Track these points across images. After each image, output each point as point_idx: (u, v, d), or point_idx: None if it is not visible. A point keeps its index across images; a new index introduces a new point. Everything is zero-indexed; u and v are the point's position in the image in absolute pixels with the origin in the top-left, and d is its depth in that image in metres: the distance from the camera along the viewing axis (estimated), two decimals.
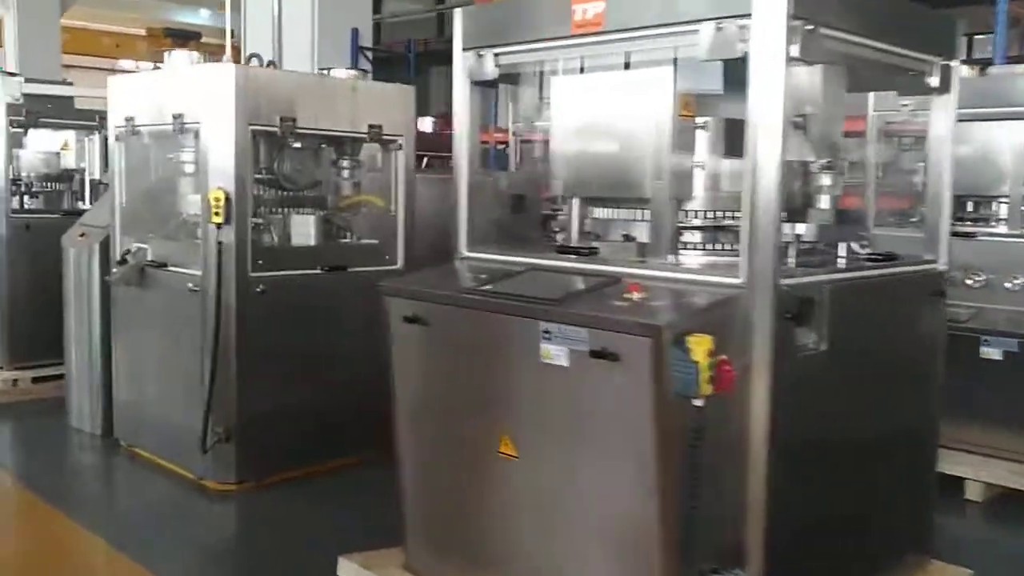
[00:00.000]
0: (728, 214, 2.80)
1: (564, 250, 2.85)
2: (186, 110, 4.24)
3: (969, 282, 4.31)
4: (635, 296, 2.43)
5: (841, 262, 2.84)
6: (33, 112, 5.90)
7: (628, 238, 2.85)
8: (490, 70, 3.03)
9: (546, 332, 2.47)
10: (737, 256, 2.73)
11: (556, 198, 5.42)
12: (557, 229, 3.37)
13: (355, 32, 9.89)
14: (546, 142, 3.81)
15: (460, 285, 2.89)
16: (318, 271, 4.43)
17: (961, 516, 4.17)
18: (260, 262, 4.21)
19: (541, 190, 4.17)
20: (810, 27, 2.44)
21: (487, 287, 2.72)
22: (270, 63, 4.67)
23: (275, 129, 4.21)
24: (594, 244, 2.85)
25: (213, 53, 5.54)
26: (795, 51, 2.41)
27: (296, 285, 4.35)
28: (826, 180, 2.81)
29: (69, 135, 6.32)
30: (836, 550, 2.80)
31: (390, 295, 2.91)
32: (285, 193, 4.55)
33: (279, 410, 4.29)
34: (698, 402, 2.26)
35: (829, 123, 2.78)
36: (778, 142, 2.40)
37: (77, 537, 3.88)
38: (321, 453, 4.44)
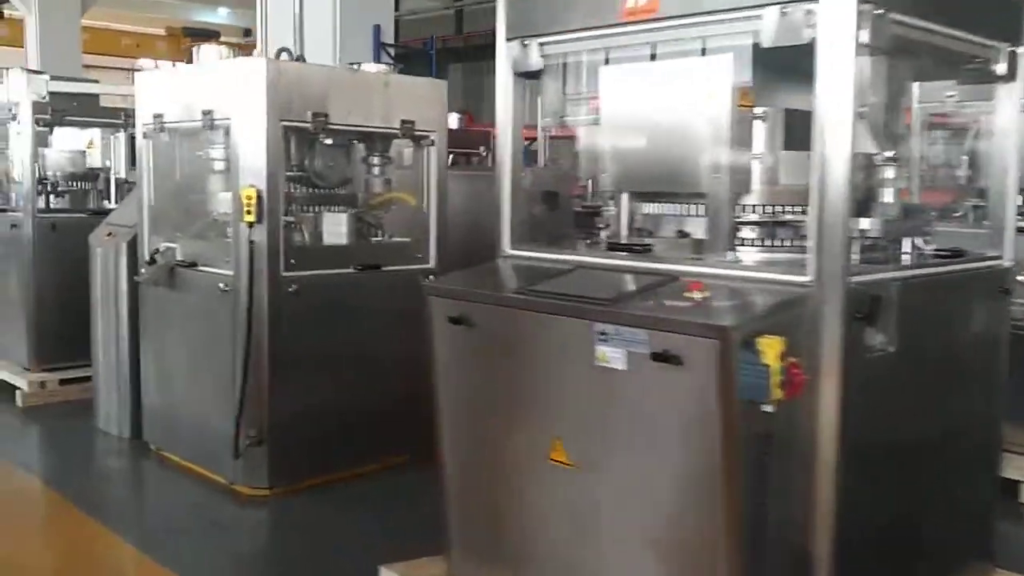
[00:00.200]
0: (787, 208, 2.68)
1: (615, 247, 2.73)
2: (216, 106, 4.15)
3: None
4: (697, 295, 2.31)
5: (906, 258, 2.71)
6: (59, 110, 5.84)
7: (683, 234, 2.73)
8: (535, 61, 2.92)
9: (602, 334, 2.35)
10: (796, 252, 2.62)
11: (588, 194, 5.30)
12: (602, 225, 3.26)
13: (377, 28, 9.80)
14: (573, 137, 3.70)
15: (507, 285, 2.78)
16: (351, 270, 4.34)
17: (1017, 521, 4.03)
18: (292, 261, 4.12)
19: (572, 186, 4.06)
20: (879, 11, 2.32)
21: (536, 286, 2.61)
22: (299, 58, 4.58)
23: (307, 125, 4.11)
24: (647, 241, 2.73)
25: (242, 49, 5.45)
26: (864, 37, 2.28)
27: (329, 285, 4.25)
28: (890, 173, 2.68)
29: (94, 133, 6.26)
30: (902, 556, 2.68)
31: (434, 295, 2.80)
32: (315, 191, 4.46)
33: (312, 413, 4.20)
34: (768, 408, 2.14)
35: (892, 114, 2.66)
36: (848, 134, 2.28)
37: (107, 543, 3.81)
38: (356, 457, 4.35)
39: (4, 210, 6.20)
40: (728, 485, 2.18)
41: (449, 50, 15.13)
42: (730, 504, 2.19)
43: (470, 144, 7.88)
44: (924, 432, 2.67)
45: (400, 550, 3.63)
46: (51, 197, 6.12)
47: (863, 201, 2.68)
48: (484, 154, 8.06)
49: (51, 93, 5.77)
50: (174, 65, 5.28)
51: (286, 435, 4.15)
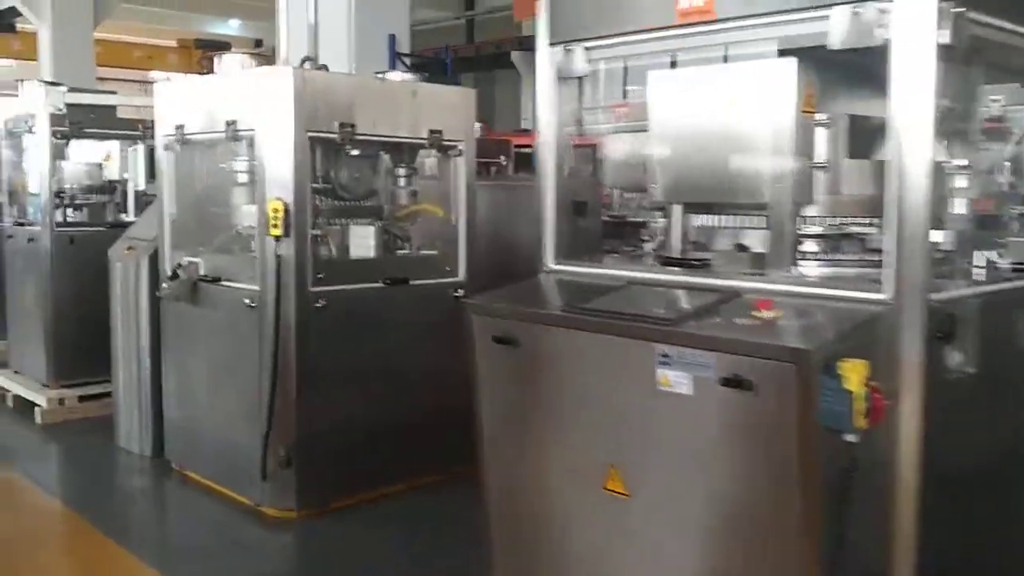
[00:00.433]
0: (851, 220, 2.53)
1: (670, 262, 2.58)
2: (240, 117, 4.03)
3: None
4: (766, 314, 2.17)
5: (980, 273, 2.56)
6: (76, 122, 5.74)
7: (741, 248, 2.58)
8: (580, 66, 2.78)
9: (664, 356, 2.20)
10: (862, 267, 2.48)
11: (614, 203, 5.11)
12: (647, 238, 3.12)
13: (392, 38, 9.70)
14: (595, 145, 3.56)
15: (555, 302, 2.64)
16: (379, 284, 4.20)
17: None
18: (319, 276, 3.99)
19: (601, 196, 3.91)
20: (959, 10, 2.17)
21: (588, 304, 2.46)
22: (322, 67, 4.46)
23: (334, 136, 3.99)
24: (703, 255, 2.58)
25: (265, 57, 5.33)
26: (945, 37, 2.13)
27: (356, 299, 4.12)
28: (962, 182, 2.53)
29: (112, 146, 6.16)
30: None
31: (477, 313, 2.66)
32: (341, 203, 4.33)
33: (341, 432, 4.06)
34: (851, 437, 1.98)
35: (967, 120, 2.50)
36: (928, 142, 2.13)
37: (127, 566, 3.68)
38: (386, 476, 4.22)
39: (21, 223, 6.11)
40: (806, 521, 2.02)
41: (461, 60, 15.04)
42: (807, 542, 2.03)
43: (490, 153, 7.75)
44: (1004, 456, 2.51)
45: (435, 574, 3.50)
46: (68, 210, 6.01)
47: (934, 212, 2.54)
48: (504, 163, 7.94)
49: (68, 105, 5.67)
50: (186, 77, 5.17)
51: (314, 455, 4.01)
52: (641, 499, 2.35)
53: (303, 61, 4.28)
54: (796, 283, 2.37)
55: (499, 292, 2.73)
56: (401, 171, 4.41)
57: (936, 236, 2.41)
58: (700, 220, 2.71)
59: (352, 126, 4.01)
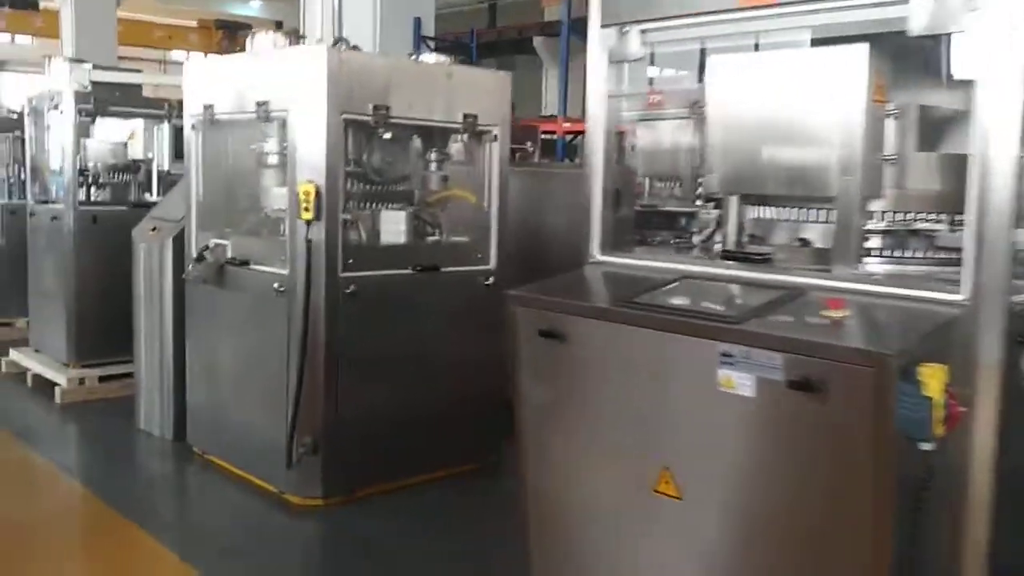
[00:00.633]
0: (919, 216, 2.42)
1: (729, 255, 2.47)
2: (272, 97, 3.93)
3: None
4: (836, 314, 2.05)
5: None
6: (101, 100, 5.65)
7: (804, 242, 2.46)
8: (635, 49, 2.66)
9: (726, 356, 2.09)
10: (929, 266, 2.36)
11: (644, 193, 4.96)
12: (695, 230, 3.01)
13: (417, 21, 9.58)
14: (621, 133, 3.44)
15: (605, 296, 2.53)
16: (409, 271, 4.11)
17: None
18: (350, 261, 3.90)
19: (634, 185, 3.80)
20: None
21: (641, 299, 2.36)
22: (353, 48, 4.35)
23: (368, 118, 3.88)
24: (763, 249, 2.47)
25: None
26: None
27: (387, 286, 4.03)
28: None
29: (137, 124, 6.08)
30: None
31: (522, 305, 2.55)
32: (372, 187, 4.24)
33: (369, 419, 3.98)
34: (927, 445, 1.87)
35: None
36: (1015, 135, 2.01)
37: (150, 552, 3.62)
38: (414, 465, 4.14)
39: (44, 202, 6.05)
40: (876, 534, 1.92)
41: (482, 45, 14.91)
42: (877, 556, 1.93)
43: (516, 140, 7.66)
44: None
45: (463, 569, 3.41)
46: (92, 189, 5.94)
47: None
48: (531, 149, 7.83)
49: (93, 83, 5.59)
50: (211, 56, 5.08)
51: (342, 442, 3.93)
52: (693, 503, 2.25)
53: (336, 41, 4.16)
54: (865, 281, 2.25)
55: (545, 283, 2.62)
56: (433, 155, 4.31)
57: (1020, 236, 2.30)
58: (756, 212, 2.60)
59: (387, 108, 3.91)
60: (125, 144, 6.14)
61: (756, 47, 2.64)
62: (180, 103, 4.90)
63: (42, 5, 14.84)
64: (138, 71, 6.79)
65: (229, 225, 4.41)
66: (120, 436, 5.00)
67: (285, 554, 3.71)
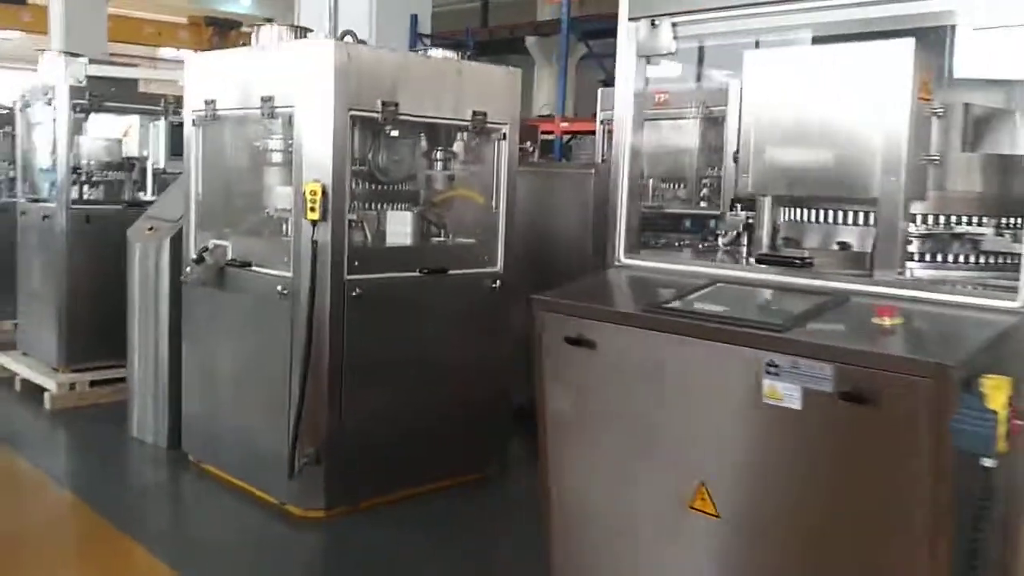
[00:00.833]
0: (964, 219, 2.32)
1: (767, 260, 2.36)
2: (277, 92, 3.79)
3: None
4: (887, 321, 1.94)
5: None
6: (96, 95, 5.49)
7: (843, 245, 2.36)
8: (667, 42, 2.55)
9: (771, 366, 1.98)
10: (974, 271, 2.26)
11: (650, 194, 4.82)
12: (721, 232, 2.90)
13: (414, 19, 9.47)
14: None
15: (636, 301, 2.41)
16: (416, 274, 3.98)
17: None
18: (355, 263, 3.77)
19: (641, 186, 3.70)
20: None
21: (676, 305, 2.24)
22: (360, 42, 4.22)
23: (376, 115, 3.75)
24: (802, 253, 2.36)
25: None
26: None
27: (393, 289, 3.90)
28: None
29: (132, 121, 5.91)
30: None
31: (549, 311, 2.43)
32: (377, 187, 4.10)
33: (375, 427, 3.85)
34: (989, 462, 1.77)
35: None
36: None
37: (144, 564, 3.47)
38: (420, 475, 4.01)
39: (35, 200, 5.87)
40: (933, 556, 1.81)
41: (475, 43, 14.82)
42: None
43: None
44: None
45: None
46: (85, 187, 5.77)
47: None
48: (531, 149, 7.71)
49: (89, 77, 5.42)
50: (196, 53, 4.95)
51: (346, 451, 3.79)
52: (732, 520, 2.13)
53: (343, 35, 4.03)
54: (912, 287, 2.15)
55: (570, 288, 2.50)
56: (438, 154, 4.19)
57: None
58: (789, 214, 2.49)
59: (395, 105, 3.78)
60: (120, 141, 5.97)
61: (756, 44, 2.56)
62: (177, 99, 4.75)
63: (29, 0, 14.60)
64: (135, 65, 6.62)
65: (229, 225, 4.26)
66: (112, 444, 4.83)
67: (287, 567, 3.57)
